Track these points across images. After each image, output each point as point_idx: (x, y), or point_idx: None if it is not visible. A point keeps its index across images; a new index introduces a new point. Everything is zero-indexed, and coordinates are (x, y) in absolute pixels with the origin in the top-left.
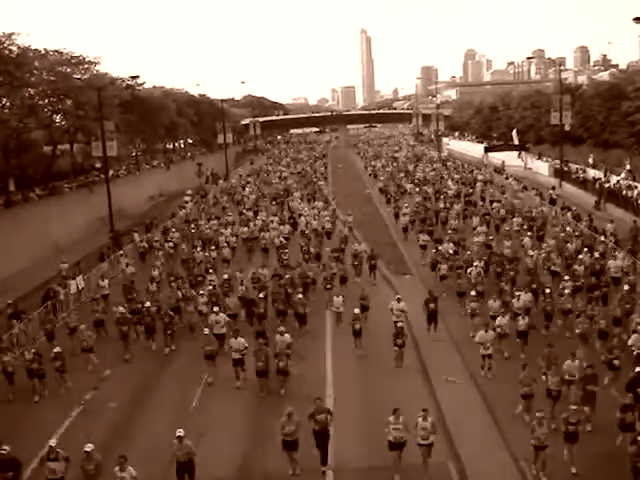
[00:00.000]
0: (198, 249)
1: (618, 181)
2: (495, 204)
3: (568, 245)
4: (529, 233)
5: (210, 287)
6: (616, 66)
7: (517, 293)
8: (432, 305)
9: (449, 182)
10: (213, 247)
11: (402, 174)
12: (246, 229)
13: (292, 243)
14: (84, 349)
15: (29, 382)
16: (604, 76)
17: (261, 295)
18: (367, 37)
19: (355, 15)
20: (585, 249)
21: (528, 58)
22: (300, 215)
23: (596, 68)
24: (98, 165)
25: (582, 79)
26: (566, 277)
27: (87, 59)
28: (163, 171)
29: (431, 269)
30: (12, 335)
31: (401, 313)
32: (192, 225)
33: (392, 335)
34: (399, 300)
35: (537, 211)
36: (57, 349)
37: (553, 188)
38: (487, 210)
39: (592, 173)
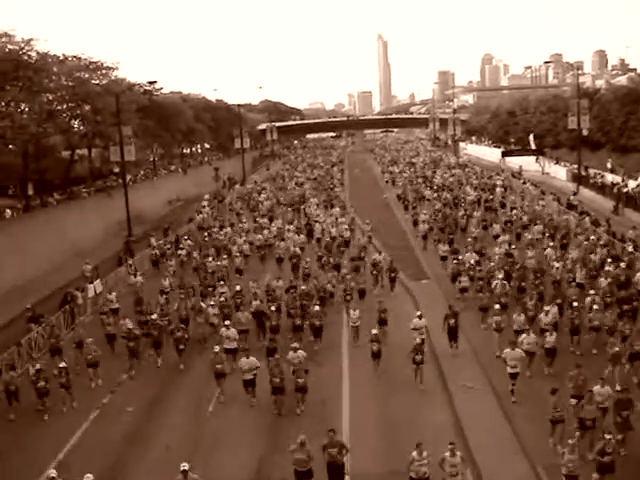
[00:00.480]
0: (210, 258)
1: (638, 185)
2: (515, 211)
3: (592, 255)
4: (551, 243)
5: (222, 299)
6: (634, 70)
7: (546, 308)
8: (452, 321)
9: (467, 188)
10: (225, 256)
11: (420, 180)
12: (260, 237)
13: (309, 252)
14: (89, 364)
15: (35, 399)
16: (622, 80)
17: (273, 308)
18: (384, 42)
19: (372, 20)
20: (609, 259)
21: (545, 62)
22: (317, 222)
23: (614, 72)
24: (116, 170)
25: (600, 83)
26: (591, 291)
27: (105, 65)
28: (180, 176)
29: (452, 281)
30: (30, 339)
31: (423, 330)
32: (206, 233)
33: (410, 351)
34: (420, 317)
35: (561, 219)
36: (62, 364)
37: (574, 194)
38: (508, 217)
39: (610, 178)
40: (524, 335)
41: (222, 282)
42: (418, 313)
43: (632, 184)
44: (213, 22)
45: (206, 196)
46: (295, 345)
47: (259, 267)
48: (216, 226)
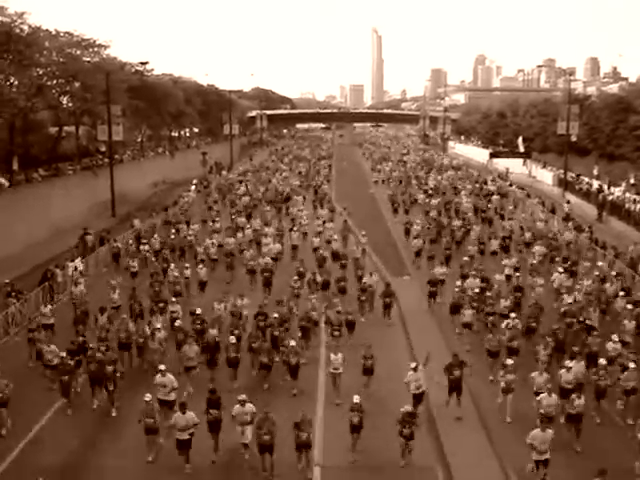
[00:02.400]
0: (172, 265)
1: (624, 192)
2: (510, 222)
3: (607, 285)
4: (560, 269)
5: (176, 323)
6: (626, 79)
7: (568, 363)
8: (457, 372)
9: (462, 195)
10: (187, 265)
11: (412, 181)
12: (232, 240)
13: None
14: None
15: None
16: (613, 88)
17: (232, 339)
18: (378, 36)
19: (367, 14)
20: (622, 292)
21: (538, 66)
22: (293, 228)
23: (606, 80)
24: (103, 149)
25: (591, 90)
26: (614, 337)
27: (97, 42)
28: (168, 159)
29: (451, 312)
30: (8, 314)
31: (420, 383)
32: (173, 229)
33: (397, 421)
34: (416, 368)
35: (565, 238)
36: None
37: (568, 202)
38: (509, 231)
39: (596, 185)
40: (543, 395)
41: (175, 299)
42: (413, 365)
43: (617, 192)
44: (208, 7)
45: (194, 181)
46: (243, 397)
47: (228, 278)
48: (182, 221)
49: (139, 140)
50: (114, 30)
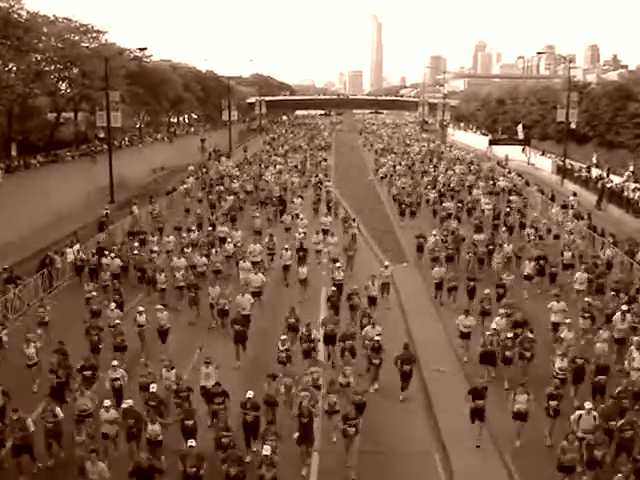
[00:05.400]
0: (112, 306)
1: (625, 180)
2: (529, 230)
3: None
4: (625, 306)
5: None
6: (626, 67)
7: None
8: (480, 402)
9: (481, 196)
10: (141, 309)
11: (419, 176)
12: (204, 260)
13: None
14: None
15: None
16: (613, 76)
17: (191, 443)
18: (378, 23)
19: (367, 0)
20: None
21: (538, 53)
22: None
23: (606, 67)
24: (101, 135)
25: (591, 78)
26: None
27: (96, 28)
28: (166, 145)
29: (481, 361)
30: (6, 301)
31: None
32: (136, 242)
33: None
34: None
35: (606, 257)
36: None
37: (574, 194)
38: (541, 250)
39: (595, 172)
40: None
41: (116, 362)
42: None
43: (616, 179)
44: None
45: (191, 167)
46: None
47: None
48: (155, 231)
49: (138, 126)
50: (113, 16)
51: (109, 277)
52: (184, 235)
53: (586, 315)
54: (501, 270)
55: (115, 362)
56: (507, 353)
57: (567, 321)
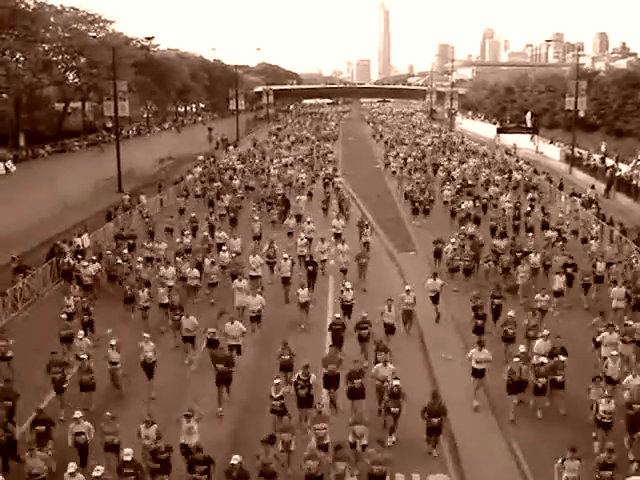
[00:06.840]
0: (80, 334)
1: (632, 169)
2: (550, 232)
3: None
4: None
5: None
6: (635, 55)
7: None
8: None
9: (501, 195)
10: (113, 343)
11: (430, 169)
12: (195, 273)
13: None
14: None
15: None
16: (622, 64)
17: None
18: (385, 11)
19: None
20: None
21: (547, 41)
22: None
23: (614, 55)
24: (109, 125)
25: (600, 66)
26: None
27: (103, 17)
28: (174, 134)
29: (509, 392)
30: (15, 290)
31: None
32: (125, 247)
33: None
34: None
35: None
36: None
37: (593, 187)
38: (569, 257)
39: (606, 161)
40: None
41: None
42: None
43: (625, 168)
44: None
45: (200, 157)
46: None
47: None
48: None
49: (145, 116)
50: (120, 5)
51: (78, 291)
52: (177, 240)
53: (628, 339)
54: (526, 284)
55: (78, 413)
56: (540, 380)
57: (615, 353)
